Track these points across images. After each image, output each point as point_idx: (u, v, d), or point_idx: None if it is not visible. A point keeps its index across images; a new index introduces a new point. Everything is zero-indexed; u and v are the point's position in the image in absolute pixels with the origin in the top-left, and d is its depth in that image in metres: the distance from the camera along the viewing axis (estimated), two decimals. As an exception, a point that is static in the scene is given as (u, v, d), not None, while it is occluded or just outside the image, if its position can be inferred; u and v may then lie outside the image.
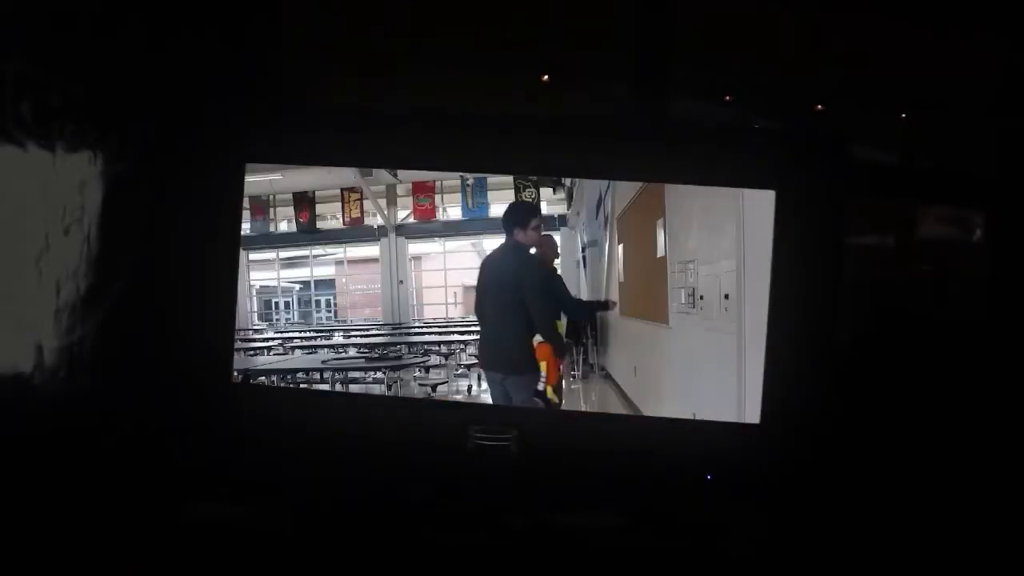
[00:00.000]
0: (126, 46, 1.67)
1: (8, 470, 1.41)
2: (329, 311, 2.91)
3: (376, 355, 2.64)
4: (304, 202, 2.77)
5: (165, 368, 1.84)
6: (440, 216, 2.76)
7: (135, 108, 1.70)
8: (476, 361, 2.27)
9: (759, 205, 1.77)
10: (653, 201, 2.14)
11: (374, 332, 2.82)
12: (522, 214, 2.25)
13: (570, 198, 2.65)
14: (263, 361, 2.58)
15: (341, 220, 2.82)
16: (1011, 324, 2.23)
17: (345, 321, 2.89)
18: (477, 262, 2.62)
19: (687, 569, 1.58)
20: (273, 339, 2.80)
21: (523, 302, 2.12)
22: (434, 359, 2.67)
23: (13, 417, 1.43)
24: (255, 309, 2.78)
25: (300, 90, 2.29)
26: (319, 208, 2.80)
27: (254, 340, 2.76)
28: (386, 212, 2.85)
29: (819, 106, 3.56)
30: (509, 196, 2.51)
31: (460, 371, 2.59)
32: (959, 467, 1.73)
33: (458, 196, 2.68)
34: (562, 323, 2.28)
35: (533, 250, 2.23)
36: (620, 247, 2.60)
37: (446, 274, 2.83)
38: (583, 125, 2.05)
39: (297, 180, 2.73)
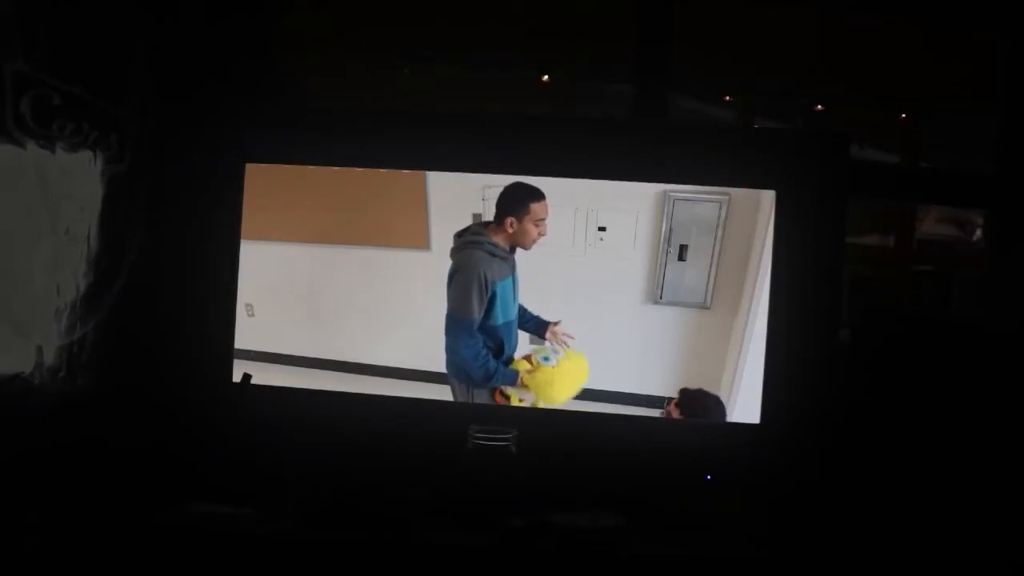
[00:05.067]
0: (126, 46, 1.67)
1: (7, 471, 1.41)
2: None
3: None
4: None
5: (165, 368, 1.85)
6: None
7: (135, 108, 1.70)
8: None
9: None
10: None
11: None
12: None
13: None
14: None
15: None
16: (1012, 324, 2.23)
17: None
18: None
19: (687, 569, 1.58)
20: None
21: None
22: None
23: (12, 417, 1.42)
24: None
25: (300, 90, 2.29)
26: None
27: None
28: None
29: (819, 106, 3.57)
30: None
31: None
32: (961, 467, 1.73)
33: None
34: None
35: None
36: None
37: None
38: (583, 125, 2.05)
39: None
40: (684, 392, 1.86)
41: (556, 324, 1.90)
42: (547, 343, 1.91)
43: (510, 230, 1.88)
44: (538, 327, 1.91)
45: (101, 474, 1.64)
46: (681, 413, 1.85)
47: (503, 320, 1.90)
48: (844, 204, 1.85)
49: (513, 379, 1.91)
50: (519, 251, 1.90)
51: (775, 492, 1.71)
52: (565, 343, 1.89)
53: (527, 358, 1.91)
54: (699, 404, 1.85)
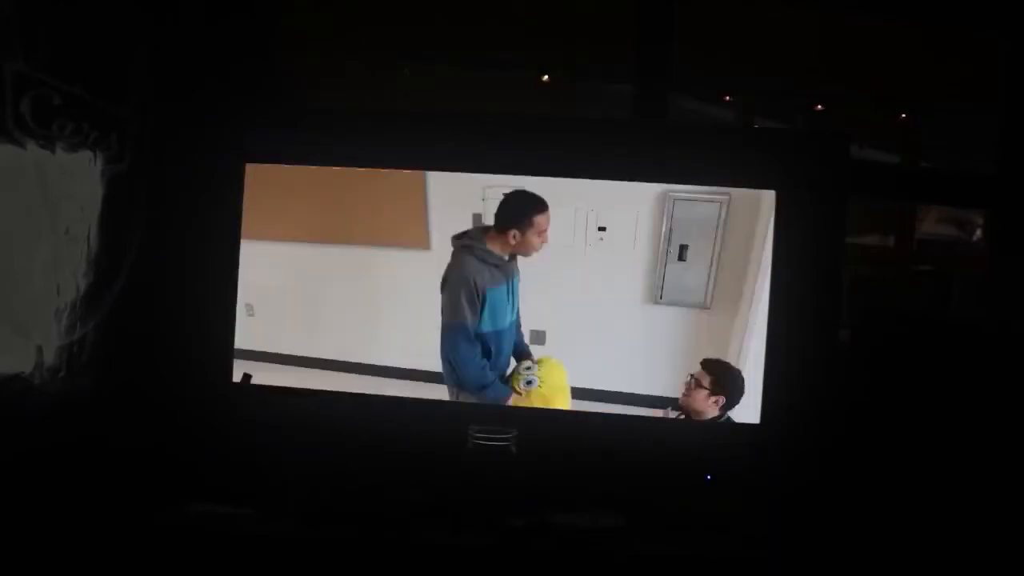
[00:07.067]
0: (126, 46, 1.67)
1: (7, 471, 1.41)
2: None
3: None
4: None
5: (165, 368, 1.84)
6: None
7: (135, 108, 1.70)
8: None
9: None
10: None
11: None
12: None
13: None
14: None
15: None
16: (1012, 324, 2.23)
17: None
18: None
19: (687, 569, 1.58)
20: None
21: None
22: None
23: (12, 417, 1.43)
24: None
25: (300, 90, 2.29)
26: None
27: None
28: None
29: (819, 106, 3.57)
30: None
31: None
32: (961, 466, 1.73)
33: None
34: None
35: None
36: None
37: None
38: (583, 125, 2.05)
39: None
40: (706, 362, 1.83)
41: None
42: (520, 363, 1.89)
43: (512, 242, 1.85)
44: (519, 353, 1.89)
45: (101, 474, 1.64)
46: (708, 372, 1.82)
47: (491, 328, 1.87)
48: (844, 204, 1.85)
49: (506, 395, 1.89)
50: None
51: (775, 492, 1.72)
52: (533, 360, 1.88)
53: (511, 383, 1.89)
54: (725, 370, 1.83)
